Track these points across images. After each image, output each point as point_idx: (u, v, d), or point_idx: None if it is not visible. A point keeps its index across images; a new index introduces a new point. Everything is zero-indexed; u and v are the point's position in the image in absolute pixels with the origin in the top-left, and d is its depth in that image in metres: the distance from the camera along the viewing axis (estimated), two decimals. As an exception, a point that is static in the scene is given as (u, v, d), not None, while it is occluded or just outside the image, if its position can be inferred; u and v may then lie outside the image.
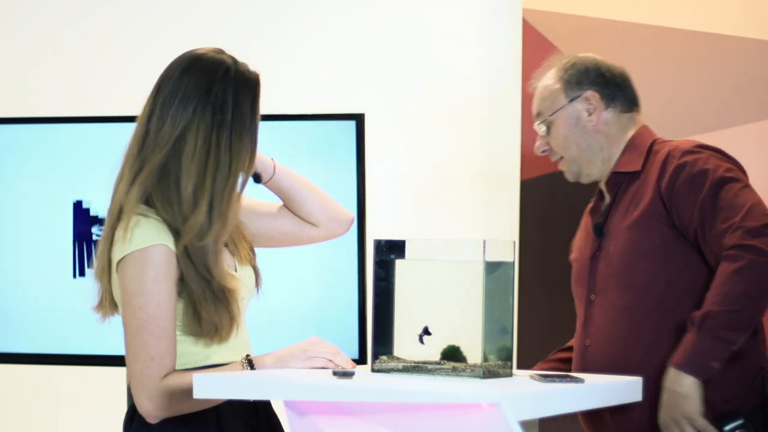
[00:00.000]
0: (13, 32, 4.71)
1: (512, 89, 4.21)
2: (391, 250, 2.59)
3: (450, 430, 2.27)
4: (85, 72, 4.64)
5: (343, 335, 3.48)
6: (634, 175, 2.92)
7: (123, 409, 3.96)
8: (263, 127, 3.68)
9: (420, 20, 4.39)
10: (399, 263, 2.59)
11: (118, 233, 2.58)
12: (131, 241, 2.55)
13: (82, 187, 3.85)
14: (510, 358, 2.51)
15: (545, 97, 3.02)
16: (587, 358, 2.90)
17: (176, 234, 2.57)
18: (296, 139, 3.59)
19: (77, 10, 4.66)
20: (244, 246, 2.76)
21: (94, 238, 3.86)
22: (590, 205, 3.09)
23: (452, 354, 2.51)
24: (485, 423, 2.20)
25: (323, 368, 2.57)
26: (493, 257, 2.48)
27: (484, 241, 2.47)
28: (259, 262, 2.80)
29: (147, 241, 2.56)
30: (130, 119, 3.90)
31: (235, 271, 2.69)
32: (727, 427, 2.76)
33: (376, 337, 2.56)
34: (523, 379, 2.52)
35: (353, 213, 3.03)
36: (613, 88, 3.00)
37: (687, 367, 2.71)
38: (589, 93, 2.97)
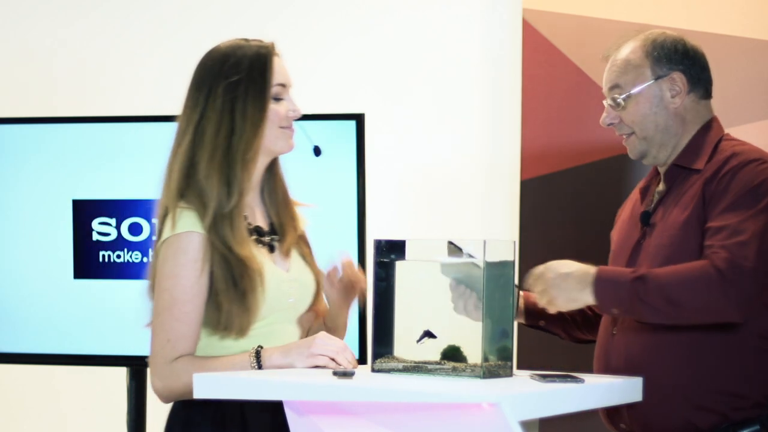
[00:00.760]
0: (13, 32, 4.70)
1: (512, 89, 4.21)
2: (391, 251, 2.59)
3: (450, 430, 2.27)
4: (84, 72, 4.64)
5: (343, 335, 3.49)
6: (694, 172, 2.86)
7: (123, 409, 3.98)
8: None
9: (420, 20, 4.39)
10: (399, 263, 2.59)
11: (164, 225, 2.70)
12: (170, 228, 2.67)
13: (82, 186, 3.85)
14: (510, 358, 2.51)
15: (627, 71, 2.89)
16: (612, 346, 2.86)
17: (202, 205, 2.67)
18: (297, 139, 3.59)
19: (77, 11, 4.66)
20: (305, 250, 2.83)
21: (94, 238, 3.86)
22: (642, 183, 3.02)
23: (452, 354, 2.51)
24: (485, 423, 2.20)
25: (324, 367, 2.57)
26: (493, 257, 2.48)
27: (484, 241, 2.47)
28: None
29: (182, 227, 2.66)
30: (130, 119, 3.93)
31: (287, 272, 2.75)
32: None
33: (376, 337, 2.56)
34: (523, 379, 2.52)
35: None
36: (698, 70, 2.93)
37: (599, 285, 2.69)
38: (677, 74, 2.89)
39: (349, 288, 2.82)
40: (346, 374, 2.42)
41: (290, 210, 2.84)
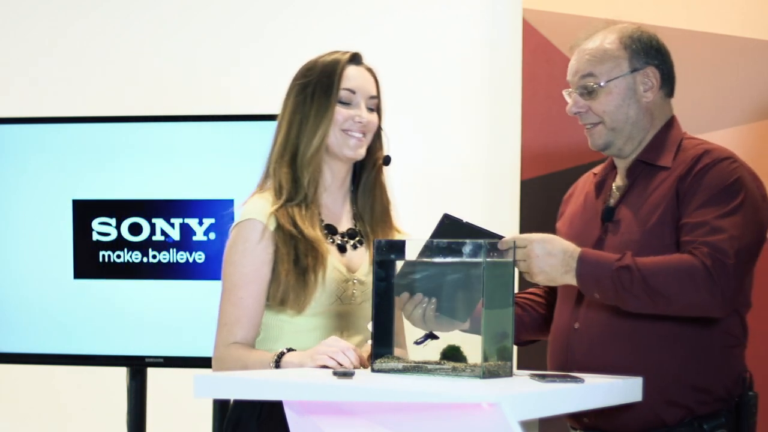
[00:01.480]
0: (13, 32, 4.70)
1: (512, 89, 4.21)
2: (391, 250, 2.59)
3: (450, 430, 2.26)
4: (85, 72, 4.64)
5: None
6: (660, 168, 2.87)
7: (123, 409, 3.98)
8: (265, 127, 3.71)
9: (420, 20, 4.39)
10: (399, 263, 2.59)
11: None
12: (240, 215, 2.80)
13: (82, 186, 3.86)
14: (510, 358, 2.51)
15: (604, 60, 2.89)
16: (573, 341, 2.85)
17: (278, 195, 2.80)
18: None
19: (77, 10, 4.66)
20: None
21: (94, 238, 3.86)
22: (596, 178, 3.01)
23: (452, 354, 2.51)
24: (485, 423, 2.20)
25: (325, 367, 2.58)
26: (493, 257, 2.48)
27: (484, 241, 2.47)
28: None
29: (245, 215, 2.79)
30: (130, 119, 3.93)
31: (355, 271, 2.82)
32: (708, 426, 2.77)
33: (376, 337, 2.56)
34: (523, 379, 2.51)
35: None
36: (669, 68, 2.94)
37: (582, 267, 2.69)
38: (651, 69, 2.90)
39: None
40: (346, 374, 2.42)
41: (386, 224, 2.92)
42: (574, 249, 2.72)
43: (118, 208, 3.85)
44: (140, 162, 3.83)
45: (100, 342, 3.84)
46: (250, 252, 2.76)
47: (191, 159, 3.81)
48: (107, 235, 3.86)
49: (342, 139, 2.82)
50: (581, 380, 2.49)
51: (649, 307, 2.70)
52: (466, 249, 2.53)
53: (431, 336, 2.57)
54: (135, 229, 3.85)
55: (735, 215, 2.73)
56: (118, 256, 3.86)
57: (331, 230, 2.85)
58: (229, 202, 3.74)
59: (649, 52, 2.90)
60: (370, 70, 2.90)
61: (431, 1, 4.39)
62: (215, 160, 3.80)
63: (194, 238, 3.82)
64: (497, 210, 4.26)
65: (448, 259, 2.54)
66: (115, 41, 4.63)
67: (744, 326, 2.85)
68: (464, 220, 2.65)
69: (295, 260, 2.74)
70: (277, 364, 2.67)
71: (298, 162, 2.81)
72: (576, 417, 2.87)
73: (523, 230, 4.10)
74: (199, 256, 3.81)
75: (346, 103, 2.83)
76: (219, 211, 3.78)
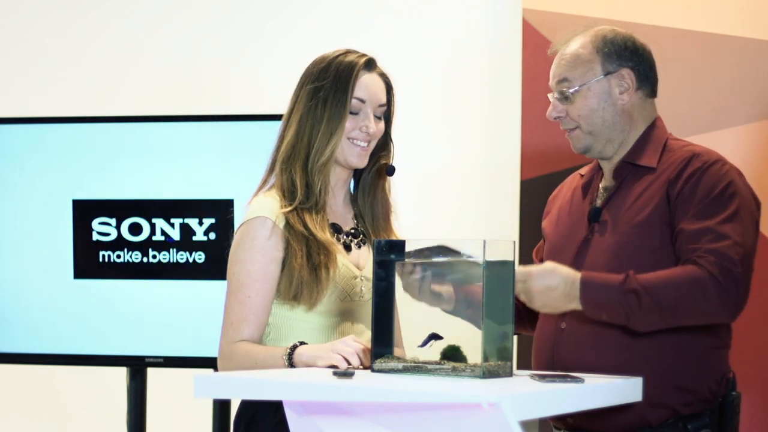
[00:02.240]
0: (13, 32, 4.71)
1: (512, 89, 4.21)
2: (391, 250, 2.59)
3: (450, 430, 2.26)
4: (84, 72, 4.64)
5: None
6: (646, 170, 2.87)
7: (123, 409, 3.98)
8: (265, 127, 3.71)
9: (420, 20, 4.39)
10: (399, 263, 2.59)
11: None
12: (246, 214, 2.79)
13: (82, 186, 3.86)
14: (510, 358, 2.50)
15: (577, 65, 2.90)
16: (560, 341, 2.86)
17: (290, 196, 2.79)
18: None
19: (77, 11, 4.66)
20: None
21: (94, 238, 3.86)
22: (582, 180, 3.02)
23: (452, 354, 2.51)
24: (485, 423, 2.20)
25: (335, 367, 2.57)
26: (493, 257, 2.48)
27: (484, 241, 2.47)
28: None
29: (253, 213, 2.78)
30: (130, 119, 3.93)
31: (361, 269, 2.82)
32: (691, 426, 2.78)
33: (376, 337, 2.56)
34: (523, 379, 2.51)
35: None
36: (646, 68, 2.93)
37: (587, 292, 2.68)
38: (626, 71, 2.89)
39: None
40: (346, 374, 2.42)
41: (386, 230, 2.92)
42: (574, 276, 2.71)
43: (118, 208, 3.85)
44: (140, 162, 3.83)
45: (100, 342, 3.84)
46: (259, 250, 2.75)
47: (191, 159, 3.81)
48: (107, 235, 3.86)
49: (347, 147, 2.82)
50: (581, 380, 2.49)
51: (662, 324, 2.71)
52: (466, 249, 2.53)
53: (434, 337, 2.57)
54: (135, 229, 3.85)
55: (735, 220, 2.73)
56: (118, 256, 3.86)
57: (336, 229, 2.85)
58: (229, 202, 3.74)
59: (623, 54, 2.91)
60: (383, 75, 2.88)
61: (431, 1, 4.40)
62: (215, 160, 3.80)
63: (194, 238, 3.82)
64: (497, 210, 4.27)
65: (448, 259, 2.54)
66: (115, 41, 4.63)
67: (729, 327, 2.86)
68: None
69: (308, 256, 2.74)
70: (290, 357, 2.66)
71: (310, 167, 2.80)
72: (560, 417, 2.87)
73: (522, 230, 4.10)
74: (199, 256, 3.81)
75: (354, 113, 2.82)
76: (219, 211, 3.78)
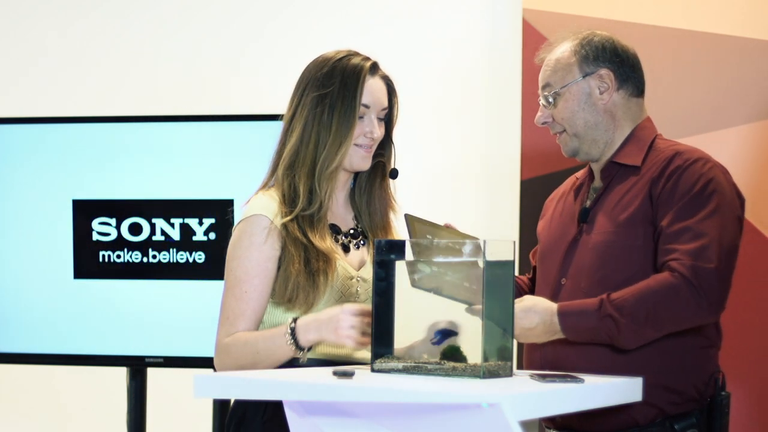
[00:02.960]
0: (13, 32, 4.71)
1: (512, 89, 4.21)
2: (391, 250, 2.59)
3: (450, 430, 2.26)
4: (84, 72, 4.64)
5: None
6: (632, 169, 2.90)
7: (123, 409, 3.98)
8: (267, 127, 3.71)
9: (420, 20, 4.39)
10: (399, 263, 2.59)
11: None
12: (244, 212, 2.79)
13: (82, 186, 3.86)
14: (510, 358, 2.50)
15: (557, 69, 2.95)
16: (549, 342, 2.86)
17: (290, 202, 2.78)
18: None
19: (77, 10, 4.66)
20: None
21: (94, 238, 3.86)
22: (576, 182, 3.05)
23: (452, 354, 2.51)
24: (485, 423, 2.20)
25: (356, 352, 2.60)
26: (493, 257, 2.48)
27: (484, 241, 2.47)
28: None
29: (250, 211, 2.78)
30: (130, 119, 3.93)
31: (358, 270, 2.82)
32: (678, 426, 2.78)
33: (376, 337, 2.56)
34: (523, 379, 2.51)
35: None
36: (627, 69, 2.95)
37: (566, 323, 2.72)
38: (604, 71, 2.92)
39: None
40: (346, 374, 2.42)
41: (385, 230, 2.92)
42: (552, 310, 2.75)
43: (118, 208, 3.85)
44: (140, 162, 3.83)
45: (100, 342, 3.84)
46: (256, 247, 2.76)
47: (191, 159, 3.81)
48: (107, 235, 3.86)
49: (352, 152, 2.83)
50: (581, 380, 2.49)
51: (646, 338, 2.74)
52: (466, 249, 2.54)
53: (448, 333, 2.56)
54: (135, 229, 3.85)
55: (714, 218, 2.75)
56: (118, 256, 3.86)
57: (335, 230, 2.85)
58: (229, 202, 3.74)
59: (601, 55, 2.94)
60: (385, 78, 2.88)
61: (431, 1, 4.40)
62: (215, 160, 3.80)
63: (194, 238, 3.82)
64: (497, 210, 4.27)
65: (448, 259, 2.54)
66: (115, 41, 4.63)
67: (718, 327, 2.87)
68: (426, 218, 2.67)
69: (306, 262, 2.74)
70: (293, 333, 2.67)
71: (317, 175, 2.79)
72: (549, 416, 2.88)
73: (522, 230, 4.10)
74: (199, 256, 3.81)
75: (359, 117, 2.82)
76: (219, 211, 3.78)
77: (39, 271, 3.87)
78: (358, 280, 2.81)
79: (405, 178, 4.33)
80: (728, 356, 2.97)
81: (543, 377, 2.50)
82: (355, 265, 2.84)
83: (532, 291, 3.07)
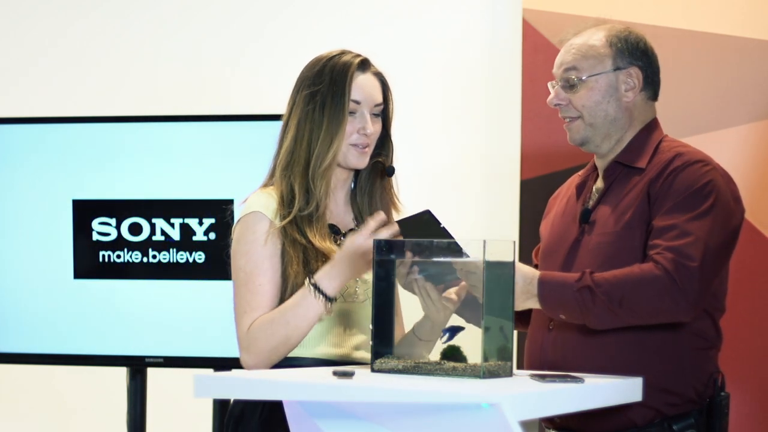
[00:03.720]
0: (13, 32, 4.71)
1: (512, 89, 4.21)
2: (391, 250, 2.59)
3: (450, 430, 2.27)
4: (84, 72, 4.64)
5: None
6: (635, 171, 2.88)
7: (123, 409, 3.98)
8: (267, 127, 3.71)
9: (420, 20, 4.39)
10: (399, 263, 2.59)
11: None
12: (243, 210, 2.81)
13: (82, 186, 3.86)
14: (510, 358, 2.50)
15: (588, 56, 2.90)
16: (547, 341, 2.86)
17: (288, 203, 2.78)
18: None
19: (77, 10, 4.66)
20: None
21: (94, 237, 3.86)
22: (578, 179, 3.03)
23: (452, 354, 2.51)
24: (485, 423, 2.20)
25: None
26: (493, 257, 2.48)
27: (484, 241, 2.47)
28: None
29: (250, 208, 2.80)
30: (130, 119, 3.93)
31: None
32: (677, 427, 2.78)
33: (376, 337, 2.56)
34: (523, 379, 2.51)
35: None
36: (653, 71, 2.94)
37: (543, 291, 2.70)
38: (634, 70, 2.90)
39: None
40: (346, 374, 2.42)
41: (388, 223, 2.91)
42: (533, 274, 2.73)
43: (118, 208, 3.85)
44: (140, 162, 3.83)
45: (100, 342, 3.84)
46: (261, 242, 2.76)
47: (191, 159, 3.81)
48: (107, 235, 3.86)
49: (346, 150, 2.83)
50: (581, 380, 2.49)
51: (616, 321, 2.72)
52: (466, 249, 2.54)
53: (456, 329, 2.56)
54: (135, 229, 3.85)
55: (704, 218, 2.74)
56: (118, 256, 3.86)
57: (334, 230, 2.85)
58: (229, 202, 3.74)
59: (635, 53, 2.92)
60: (377, 74, 2.88)
61: (431, 1, 4.40)
62: (215, 160, 3.80)
63: (194, 238, 3.82)
64: (497, 210, 4.27)
65: (449, 259, 2.54)
66: (115, 41, 4.63)
67: (717, 329, 2.86)
68: (442, 224, 2.66)
69: (305, 263, 2.75)
70: (318, 287, 2.69)
71: (311, 173, 2.80)
72: (548, 416, 2.88)
73: (523, 230, 4.10)
74: (199, 256, 3.81)
75: (350, 112, 2.82)
76: (219, 211, 3.78)
77: (39, 271, 3.87)
78: (356, 280, 2.81)
79: (405, 178, 4.33)
80: (728, 357, 2.96)
81: (543, 377, 2.50)
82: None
83: None
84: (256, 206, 2.79)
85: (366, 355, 2.68)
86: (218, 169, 3.79)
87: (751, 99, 3.84)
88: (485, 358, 2.44)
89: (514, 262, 2.55)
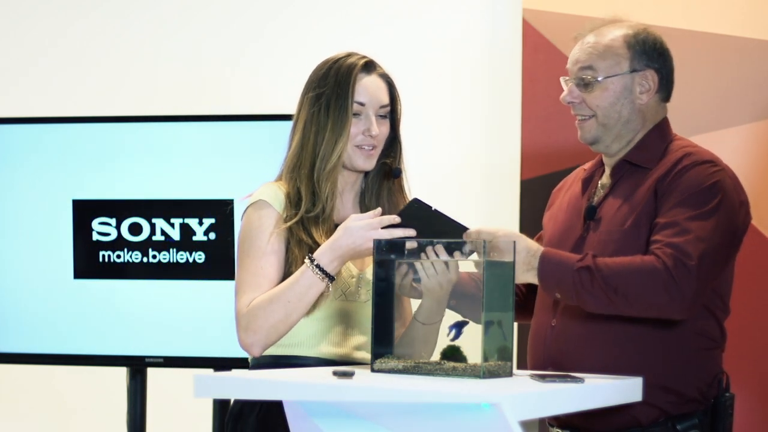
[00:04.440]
0: (13, 32, 4.71)
1: (512, 89, 4.21)
2: (391, 250, 2.59)
3: (450, 430, 2.27)
4: (84, 72, 4.64)
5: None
6: (643, 169, 2.87)
7: (123, 409, 3.98)
8: (266, 127, 3.71)
9: (420, 20, 4.39)
10: (399, 263, 2.59)
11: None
12: (251, 198, 2.82)
13: (82, 186, 3.86)
14: (510, 358, 2.50)
15: (605, 56, 2.89)
16: (550, 338, 2.86)
17: (295, 204, 2.80)
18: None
19: (77, 10, 4.66)
20: None
21: (94, 238, 3.86)
22: (585, 174, 3.02)
23: (452, 354, 2.51)
24: (485, 423, 2.20)
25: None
26: (493, 257, 2.48)
27: (484, 241, 2.47)
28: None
29: (257, 197, 2.82)
30: (130, 119, 3.93)
31: (362, 270, 2.83)
32: (680, 426, 2.78)
33: (376, 337, 2.56)
34: (523, 379, 2.51)
35: None
36: (669, 73, 2.94)
37: (543, 266, 2.71)
38: (651, 72, 2.89)
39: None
40: (346, 374, 2.42)
41: None
42: (537, 248, 2.74)
43: (118, 208, 3.85)
44: (140, 162, 3.83)
45: (100, 342, 3.84)
46: (266, 229, 2.78)
47: (191, 159, 3.81)
48: (107, 235, 3.86)
49: (353, 151, 2.83)
50: (581, 380, 2.49)
51: (609, 307, 2.71)
52: (466, 248, 2.54)
53: (461, 324, 2.56)
54: (135, 229, 3.85)
55: (707, 219, 2.73)
56: (118, 256, 3.86)
57: None
58: (229, 202, 3.74)
59: (652, 55, 2.90)
60: (383, 75, 2.88)
61: (431, 1, 4.40)
62: (215, 160, 3.80)
63: (194, 238, 3.82)
64: (497, 210, 4.27)
65: (448, 259, 2.54)
66: (115, 41, 4.63)
67: (722, 329, 2.85)
68: (433, 207, 2.66)
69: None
70: (319, 266, 2.69)
71: (316, 176, 2.81)
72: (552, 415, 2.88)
73: (523, 230, 4.10)
74: (199, 256, 3.81)
75: (355, 114, 2.82)
76: (219, 211, 3.78)
77: (39, 271, 3.87)
78: (360, 279, 2.81)
79: (405, 179, 4.32)
80: (732, 357, 2.96)
81: (543, 377, 2.50)
82: (358, 264, 2.84)
83: (532, 289, 3.05)
84: (263, 195, 2.81)
85: (367, 355, 2.68)
86: (218, 169, 3.79)
87: (752, 99, 3.84)
88: (485, 358, 2.44)
89: (513, 262, 2.56)
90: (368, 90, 2.83)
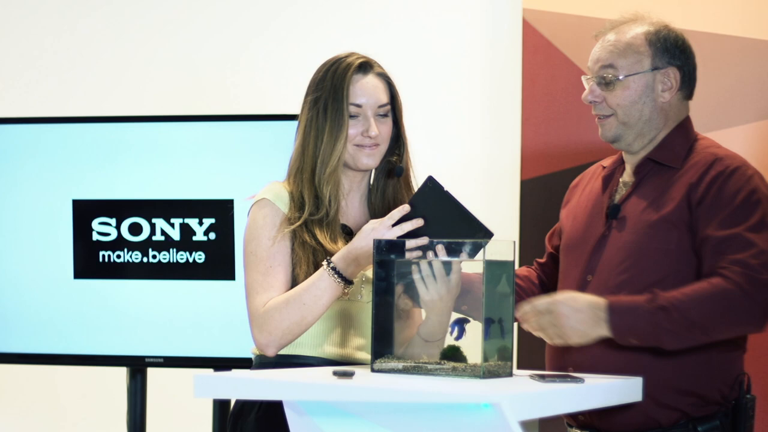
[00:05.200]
0: (13, 32, 4.71)
1: (512, 89, 4.21)
2: (391, 250, 2.59)
3: (450, 430, 2.27)
4: (84, 72, 4.64)
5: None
6: (667, 168, 2.84)
7: (123, 409, 3.98)
8: (266, 127, 3.71)
9: (420, 20, 4.39)
10: (399, 263, 2.59)
11: None
12: (257, 196, 2.82)
13: (82, 186, 3.86)
14: (510, 358, 2.51)
15: (626, 54, 2.86)
16: None
17: (299, 206, 2.80)
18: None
19: (77, 10, 4.66)
20: None
21: (94, 238, 3.86)
22: (604, 171, 2.98)
23: (452, 354, 2.51)
24: (485, 423, 2.20)
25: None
26: (493, 257, 2.48)
27: (484, 241, 2.47)
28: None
29: (261, 195, 2.83)
30: (130, 119, 3.93)
31: (364, 271, 2.82)
32: (701, 428, 2.77)
33: (376, 337, 2.56)
34: (523, 379, 2.51)
35: None
36: (691, 70, 2.90)
37: (615, 318, 2.66)
38: (672, 70, 2.86)
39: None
40: (346, 374, 2.42)
41: None
42: (599, 301, 2.69)
43: (118, 208, 3.85)
44: (140, 162, 3.83)
45: (100, 342, 3.84)
46: (270, 228, 2.78)
47: (191, 159, 3.81)
48: (107, 235, 3.86)
49: (355, 152, 2.83)
50: (581, 380, 2.49)
51: (693, 341, 2.69)
52: (466, 248, 2.54)
53: (462, 321, 2.56)
54: (135, 229, 3.85)
55: (760, 228, 2.71)
56: (118, 256, 3.86)
57: (346, 230, 2.85)
58: (229, 202, 3.74)
59: (674, 53, 2.88)
60: (381, 75, 2.87)
61: (431, 1, 4.39)
62: (215, 160, 3.80)
63: (194, 238, 3.82)
64: (497, 210, 4.26)
65: (449, 259, 2.54)
66: (115, 41, 4.63)
67: None
68: (445, 189, 2.67)
69: (315, 265, 2.76)
70: (336, 271, 2.70)
71: (317, 179, 2.81)
72: (572, 414, 2.87)
73: (522, 229, 4.10)
74: (199, 256, 3.81)
75: (353, 116, 2.82)
76: (219, 211, 3.78)
77: (39, 271, 3.87)
78: (362, 279, 2.81)
79: (412, 175, 4.32)
80: (753, 359, 2.94)
81: (543, 377, 2.50)
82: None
83: (545, 285, 3.04)
84: (267, 194, 2.82)
85: (368, 356, 2.68)
86: (218, 169, 3.79)
87: (752, 99, 3.84)
88: (485, 358, 2.44)
89: (513, 262, 2.55)
90: (365, 91, 2.83)
